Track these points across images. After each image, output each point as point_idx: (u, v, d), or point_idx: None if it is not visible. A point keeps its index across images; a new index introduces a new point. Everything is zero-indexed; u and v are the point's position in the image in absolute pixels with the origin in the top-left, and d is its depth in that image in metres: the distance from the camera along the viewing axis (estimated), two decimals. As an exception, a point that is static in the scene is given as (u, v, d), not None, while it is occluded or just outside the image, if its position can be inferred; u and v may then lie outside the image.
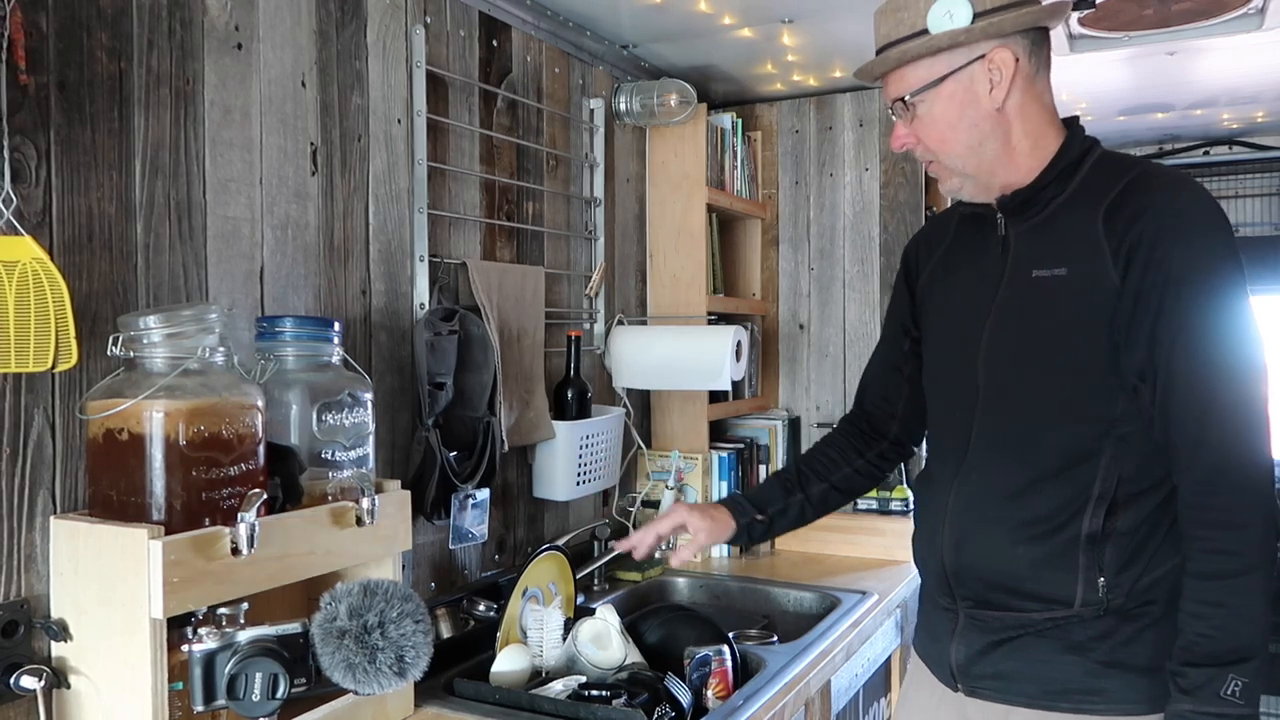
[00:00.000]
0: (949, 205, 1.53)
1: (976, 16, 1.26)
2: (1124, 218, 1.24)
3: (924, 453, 1.62)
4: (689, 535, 1.62)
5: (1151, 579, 1.26)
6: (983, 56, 1.27)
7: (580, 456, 2.15)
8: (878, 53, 1.35)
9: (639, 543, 1.65)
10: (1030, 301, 1.31)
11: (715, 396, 2.64)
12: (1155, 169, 1.30)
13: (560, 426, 2.12)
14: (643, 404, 2.62)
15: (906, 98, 1.31)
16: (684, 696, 1.58)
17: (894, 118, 1.36)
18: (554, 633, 1.69)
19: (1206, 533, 1.19)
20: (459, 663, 1.70)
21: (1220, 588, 1.17)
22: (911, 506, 1.58)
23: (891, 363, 1.62)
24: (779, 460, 2.80)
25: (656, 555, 2.44)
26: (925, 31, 1.27)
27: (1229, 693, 1.14)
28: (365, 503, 1.38)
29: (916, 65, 1.30)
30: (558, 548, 1.89)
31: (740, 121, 2.78)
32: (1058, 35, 2.32)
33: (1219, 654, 1.15)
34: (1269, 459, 1.18)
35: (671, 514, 1.64)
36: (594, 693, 1.53)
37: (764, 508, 1.63)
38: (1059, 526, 1.28)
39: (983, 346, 1.35)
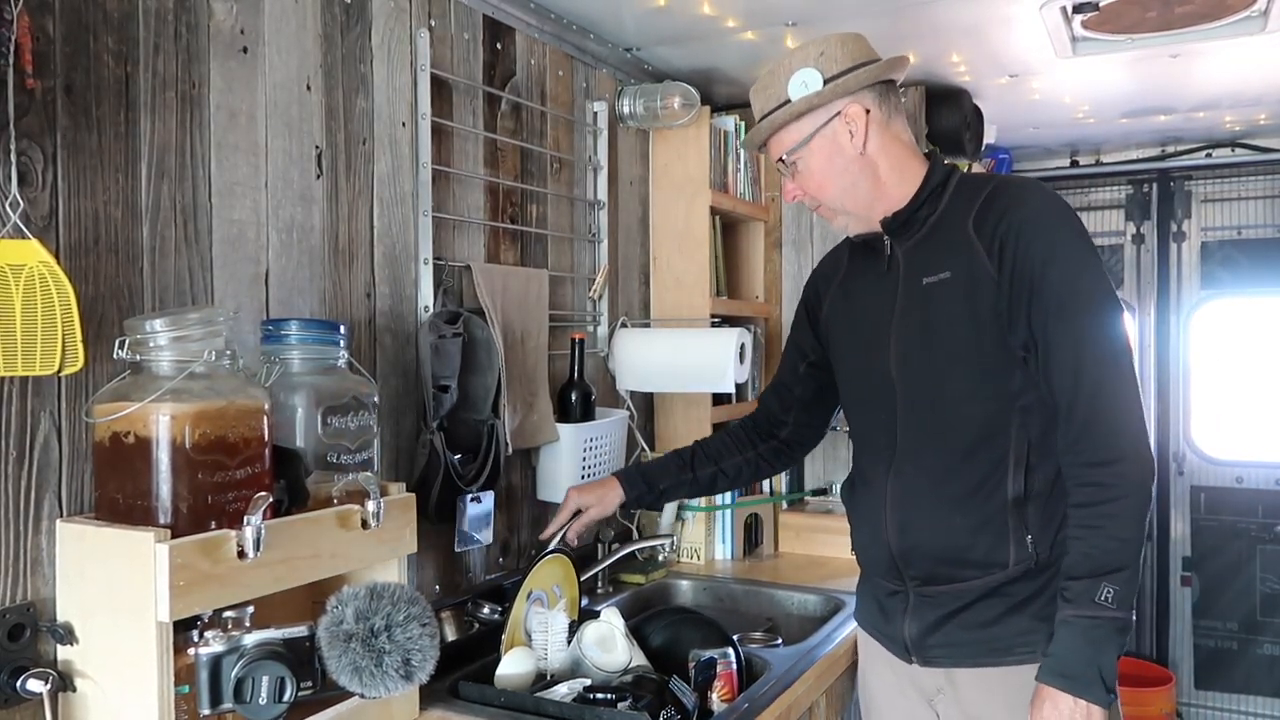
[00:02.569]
0: (843, 239, 1.73)
1: (826, 82, 1.49)
2: (990, 220, 1.46)
3: (848, 461, 1.79)
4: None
5: (1067, 532, 1.43)
6: (839, 113, 1.50)
7: (584, 459, 2.15)
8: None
9: (554, 537, 1.83)
10: (925, 305, 1.51)
11: (719, 399, 2.64)
12: (1010, 179, 1.55)
13: (564, 429, 2.12)
14: (646, 406, 2.62)
15: (785, 157, 1.54)
16: (689, 699, 1.58)
17: (782, 175, 1.59)
18: (559, 635, 1.68)
19: (1080, 471, 1.39)
20: (464, 665, 1.70)
21: (1093, 514, 1.37)
22: (846, 510, 1.74)
23: (786, 380, 1.86)
24: (782, 463, 2.80)
25: (660, 558, 2.45)
26: (789, 101, 1.51)
27: (1102, 598, 1.33)
28: (370, 505, 1.37)
29: (788, 129, 1.53)
30: (562, 550, 1.89)
31: (743, 124, 2.78)
32: (1061, 38, 2.32)
33: (1094, 568, 1.35)
34: (1137, 404, 1.39)
35: (565, 503, 1.86)
36: (599, 695, 1.53)
37: (655, 483, 1.86)
38: (988, 495, 1.46)
39: (891, 351, 1.55)
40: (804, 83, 1.49)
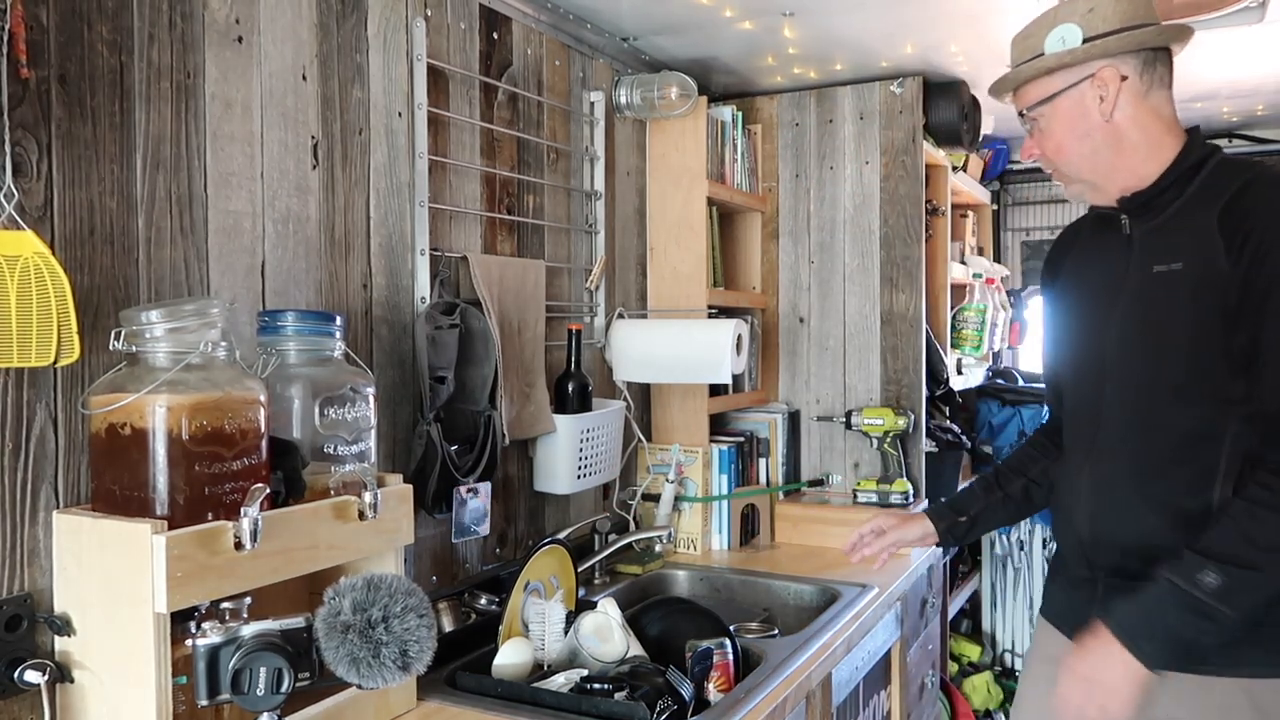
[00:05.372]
0: (1088, 210, 1.62)
1: (1086, 40, 1.40)
2: (1236, 216, 1.34)
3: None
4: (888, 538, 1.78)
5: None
6: (1092, 75, 1.41)
7: (581, 450, 2.15)
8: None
9: (856, 545, 1.81)
10: (1151, 294, 1.42)
11: (715, 390, 2.64)
12: (1270, 173, 1.40)
13: (561, 420, 2.12)
14: (643, 397, 2.62)
15: (1025, 111, 1.48)
16: (685, 689, 1.58)
17: (1024, 130, 1.52)
18: (556, 626, 1.69)
19: (1270, 465, 1.30)
20: (461, 656, 1.70)
21: (1246, 509, 1.29)
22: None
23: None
24: (779, 453, 2.81)
25: (657, 549, 2.45)
26: (1042, 54, 1.43)
27: (1204, 581, 1.27)
28: (367, 496, 1.38)
29: (1034, 84, 1.46)
30: (559, 541, 1.90)
31: (740, 114, 2.78)
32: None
33: (1210, 550, 1.28)
34: None
35: (871, 521, 1.82)
36: (596, 686, 1.53)
37: (965, 510, 1.76)
38: (1190, 499, 1.37)
39: (1109, 336, 1.47)
40: (1062, 38, 1.41)
